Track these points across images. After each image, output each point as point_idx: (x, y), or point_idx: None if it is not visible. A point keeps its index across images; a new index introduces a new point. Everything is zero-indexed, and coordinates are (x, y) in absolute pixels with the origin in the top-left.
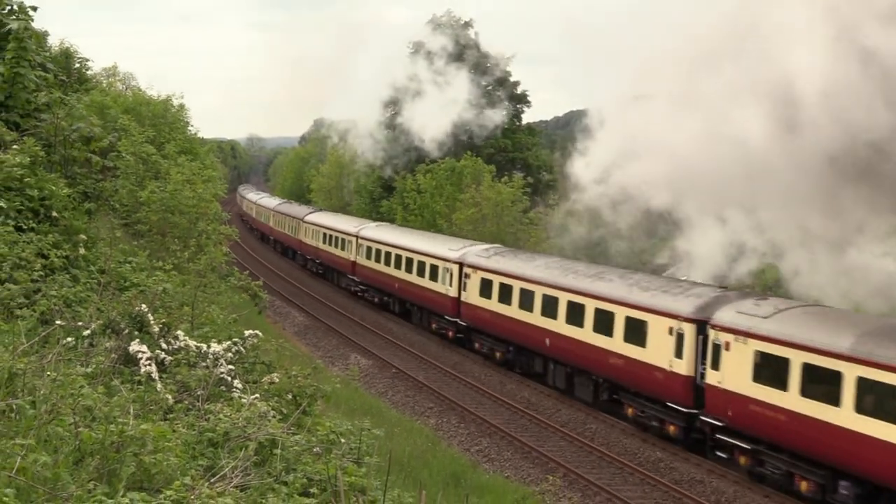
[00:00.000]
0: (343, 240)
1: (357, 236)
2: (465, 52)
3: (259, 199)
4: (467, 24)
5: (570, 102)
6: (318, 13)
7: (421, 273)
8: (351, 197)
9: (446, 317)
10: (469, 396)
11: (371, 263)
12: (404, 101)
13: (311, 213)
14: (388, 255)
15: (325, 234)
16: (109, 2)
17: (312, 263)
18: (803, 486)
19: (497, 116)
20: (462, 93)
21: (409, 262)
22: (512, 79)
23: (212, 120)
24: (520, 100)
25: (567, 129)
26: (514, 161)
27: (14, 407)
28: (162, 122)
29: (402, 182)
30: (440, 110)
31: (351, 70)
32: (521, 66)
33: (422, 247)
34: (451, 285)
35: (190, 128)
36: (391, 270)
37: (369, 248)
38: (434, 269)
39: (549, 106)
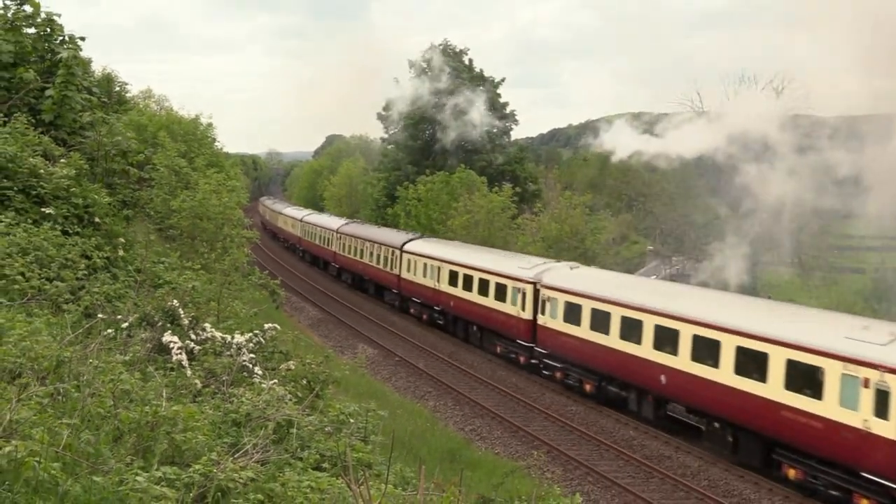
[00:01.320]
0: (503, 287)
1: (538, 285)
2: (462, 76)
3: (306, 217)
4: (462, 52)
5: (553, 121)
6: (333, 40)
7: (745, 371)
8: (358, 205)
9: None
10: (464, 382)
11: (581, 332)
12: (433, 107)
13: (412, 240)
14: (631, 323)
15: (454, 274)
16: (145, 32)
17: (422, 308)
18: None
19: (509, 143)
20: (481, 116)
21: (704, 344)
22: (501, 100)
23: (236, 136)
24: (508, 118)
25: (551, 145)
26: (504, 173)
27: (61, 390)
28: (192, 138)
29: (403, 191)
30: (464, 124)
31: (360, 91)
32: (510, 89)
33: (741, 323)
34: (862, 411)
35: (216, 143)
36: (648, 353)
37: (573, 306)
38: (755, 357)
39: (534, 124)
